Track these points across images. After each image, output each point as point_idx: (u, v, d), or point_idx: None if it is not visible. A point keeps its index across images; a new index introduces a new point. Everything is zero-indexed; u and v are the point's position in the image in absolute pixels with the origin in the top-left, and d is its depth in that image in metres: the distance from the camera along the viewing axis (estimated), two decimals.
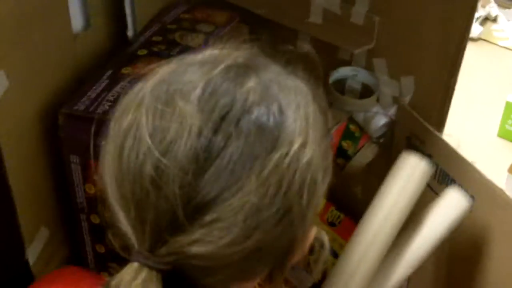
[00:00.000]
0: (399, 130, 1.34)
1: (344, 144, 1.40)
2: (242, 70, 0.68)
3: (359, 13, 1.30)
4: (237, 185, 0.62)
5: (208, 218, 0.62)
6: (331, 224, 1.51)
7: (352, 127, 1.39)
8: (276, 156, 0.63)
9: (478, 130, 2.09)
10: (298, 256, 0.74)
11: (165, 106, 0.64)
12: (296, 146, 0.65)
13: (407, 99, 1.33)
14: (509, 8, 2.73)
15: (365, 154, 1.39)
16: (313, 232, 0.75)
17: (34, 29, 1.10)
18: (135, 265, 0.64)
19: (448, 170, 1.23)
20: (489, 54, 2.48)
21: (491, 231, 1.16)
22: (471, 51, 2.45)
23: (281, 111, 0.66)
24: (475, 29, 2.52)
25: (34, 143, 1.18)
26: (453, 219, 1.11)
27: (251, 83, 0.66)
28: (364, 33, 1.30)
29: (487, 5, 2.64)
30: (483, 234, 1.18)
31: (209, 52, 0.72)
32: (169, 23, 1.42)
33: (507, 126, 2.04)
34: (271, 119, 0.65)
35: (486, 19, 2.65)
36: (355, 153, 1.39)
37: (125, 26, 1.37)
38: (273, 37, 0.93)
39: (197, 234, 0.62)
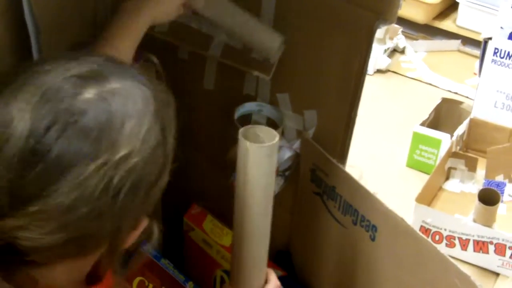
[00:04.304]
0: (304, 163, 1.36)
1: None
2: (83, 80, 0.75)
3: None
4: (53, 186, 0.72)
5: (31, 209, 0.73)
6: None
7: None
8: (94, 165, 0.72)
9: (387, 160, 2.13)
10: (128, 243, 0.86)
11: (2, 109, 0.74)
12: (118, 155, 0.74)
13: (310, 132, 1.34)
14: (416, 39, 2.80)
15: None
16: (143, 224, 0.85)
17: None
18: None
19: (351, 201, 1.25)
20: (398, 85, 2.54)
21: (393, 257, 1.19)
22: (380, 82, 2.53)
23: (110, 122, 0.74)
24: (384, 61, 2.58)
25: None
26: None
27: (87, 94, 0.74)
28: (263, 66, 1.32)
29: (395, 37, 2.71)
30: (385, 260, 1.21)
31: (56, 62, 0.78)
32: None
33: (415, 156, 2.09)
34: (96, 130, 0.73)
35: (394, 51, 2.72)
36: None
37: None
38: None
39: (21, 221, 0.73)
